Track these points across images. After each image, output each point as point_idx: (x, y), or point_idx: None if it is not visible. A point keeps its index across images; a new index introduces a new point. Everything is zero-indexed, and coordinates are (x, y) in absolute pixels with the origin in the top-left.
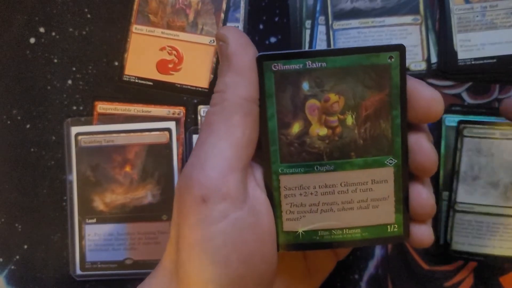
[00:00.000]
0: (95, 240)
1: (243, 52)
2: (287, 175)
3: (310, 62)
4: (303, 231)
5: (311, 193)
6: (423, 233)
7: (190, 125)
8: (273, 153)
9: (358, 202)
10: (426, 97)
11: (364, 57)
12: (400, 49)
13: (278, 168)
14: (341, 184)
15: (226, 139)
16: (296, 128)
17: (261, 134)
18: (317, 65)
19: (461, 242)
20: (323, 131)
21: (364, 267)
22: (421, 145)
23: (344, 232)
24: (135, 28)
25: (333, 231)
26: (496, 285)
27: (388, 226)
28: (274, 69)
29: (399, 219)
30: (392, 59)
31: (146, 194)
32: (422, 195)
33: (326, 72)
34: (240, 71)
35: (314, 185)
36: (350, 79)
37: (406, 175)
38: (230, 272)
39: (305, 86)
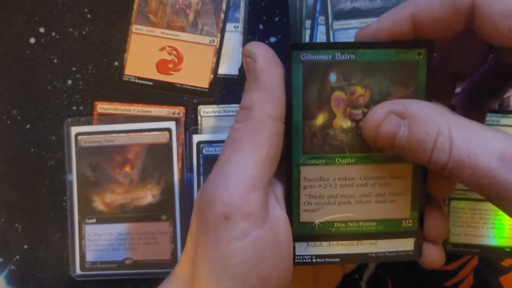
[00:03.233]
0: (95, 240)
1: (272, 70)
2: (308, 166)
3: (339, 53)
4: (319, 222)
5: (330, 185)
6: (435, 253)
7: (190, 125)
8: (296, 144)
9: (375, 196)
10: None
11: (393, 53)
12: (428, 46)
13: (300, 159)
14: (360, 178)
15: (251, 157)
16: (320, 119)
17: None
18: (346, 57)
19: (458, 233)
20: (347, 124)
21: (364, 267)
22: None
23: (360, 224)
24: (135, 28)
25: (349, 223)
26: (496, 285)
27: (403, 221)
28: (303, 59)
29: (414, 215)
30: (420, 56)
31: (146, 194)
32: (438, 217)
33: (355, 65)
34: (268, 89)
35: (334, 177)
36: (378, 73)
37: (425, 172)
38: None
39: (333, 77)
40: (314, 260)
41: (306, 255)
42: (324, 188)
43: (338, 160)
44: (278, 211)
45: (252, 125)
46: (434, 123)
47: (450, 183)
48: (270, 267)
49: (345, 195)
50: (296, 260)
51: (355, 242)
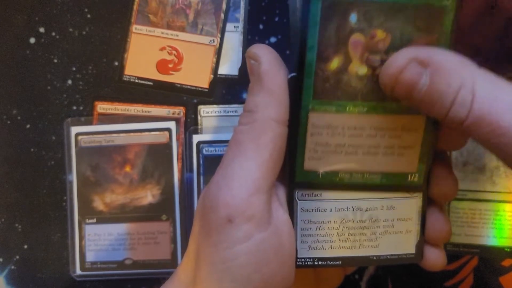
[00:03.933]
0: (95, 240)
1: (276, 72)
2: (317, 112)
3: None
4: (324, 171)
5: (339, 134)
6: (436, 256)
7: (190, 125)
8: (307, 87)
9: (384, 148)
10: None
11: None
12: None
13: (309, 104)
14: (370, 128)
15: (254, 159)
16: (335, 63)
17: (297, 65)
18: None
19: (458, 233)
20: (363, 70)
21: (364, 267)
22: (444, 174)
23: (364, 176)
24: (135, 28)
25: (353, 174)
26: (496, 285)
27: (409, 175)
28: None
29: (421, 169)
30: (449, 1)
31: (146, 194)
32: (439, 220)
33: (378, 5)
34: (271, 92)
35: (343, 126)
36: (401, 17)
37: (437, 126)
38: None
39: (353, 18)
40: (316, 263)
41: (308, 258)
42: (332, 136)
43: (349, 108)
44: (281, 214)
45: (256, 128)
46: (457, 75)
47: (453, 185)
48: (273, 270)
49: (353, 145)
50: (298, 263)
51: (357, 244)
